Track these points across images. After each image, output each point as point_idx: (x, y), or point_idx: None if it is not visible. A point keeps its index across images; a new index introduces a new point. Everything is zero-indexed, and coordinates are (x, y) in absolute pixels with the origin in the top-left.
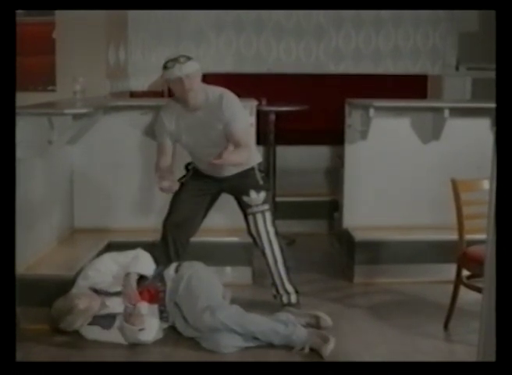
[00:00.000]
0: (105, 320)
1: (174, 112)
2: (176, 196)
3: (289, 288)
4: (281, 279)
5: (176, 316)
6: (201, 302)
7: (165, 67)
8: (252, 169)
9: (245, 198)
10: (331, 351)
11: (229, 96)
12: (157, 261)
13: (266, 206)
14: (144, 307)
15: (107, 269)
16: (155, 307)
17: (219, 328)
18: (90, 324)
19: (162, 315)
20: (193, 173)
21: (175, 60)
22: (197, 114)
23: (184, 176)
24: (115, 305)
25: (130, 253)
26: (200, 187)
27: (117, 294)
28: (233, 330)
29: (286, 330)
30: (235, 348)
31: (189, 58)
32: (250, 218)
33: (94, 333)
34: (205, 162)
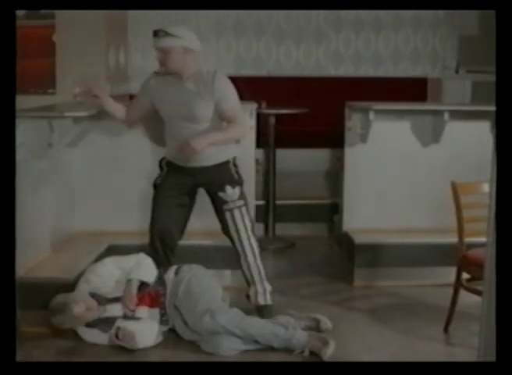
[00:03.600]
0: (105, 324)
1: (165, 77)
2: (156, 200)
3: (267, 286)
4: (260, 276)
5: (176, 318)
6: (201, 305)
7: (153, 34)
8: (227, 162)
9: (220, 194)
10: (331, 354)
11: (222, 75)
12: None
13: (242, 202)
14: (144, 312)
15: (109, 274)
16: (156, 311)
17: (219, 331)
18: (89, 327)
19: (162, 318)
20: (167, 169)
21: (156, 32)
22: (187, 84)
23: (159, 176)
24: (115, 311)
25: (133, 258)
26: (176, 185)
27: (117, 299)
28: (233, 333)
29: (286, 333)
30: (235, 351)
31: (167, 34)
32: (228, 215)
33: (92, 335)
34: (178, 140)
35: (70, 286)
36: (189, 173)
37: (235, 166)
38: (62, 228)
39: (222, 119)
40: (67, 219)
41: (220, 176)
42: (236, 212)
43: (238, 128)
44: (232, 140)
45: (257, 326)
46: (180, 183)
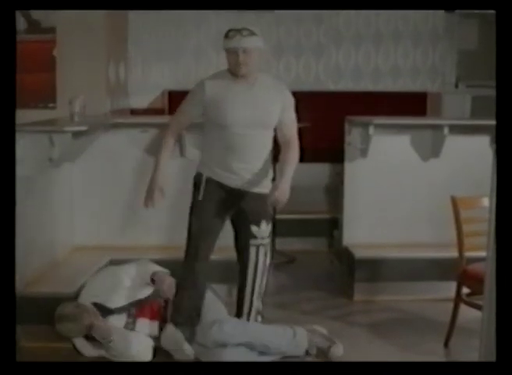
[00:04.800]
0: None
1: (223, 81)
2: (195, 226)
3: (258, 318)
4: (251, 310)
5: None
6: (209, 316)
7: (226, 36)
8: (267, 193)
9: (254, 228)
10: (340, 354)
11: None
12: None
13: (269, 240)
14: (144, 325)
15: (111, 284)
16: (156, 323)
17: (227, 342)
18: (86, 339)
19: (161, 332)
20: (206, 188)
21: (237, 31)
22: (253, 88)
23: (197, 193)
24: (116, 322)
25: (132, 263)
26: (219, 202)
27: (119, 310)
28: (242, 342)
29: (291, 331)
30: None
31: (253, 33)
32: (252, 249)
33: (88, 348)
34: (234, 150)
35: (70, 300)
36: (232, 193)
37: None
38: (62, 242)
39: (279, 132)
40: (67, 233)
41: (259, 208)
42: (262, 250)
43: (296, 153)
44: None
45: (265, 330)
46: (223, 201)
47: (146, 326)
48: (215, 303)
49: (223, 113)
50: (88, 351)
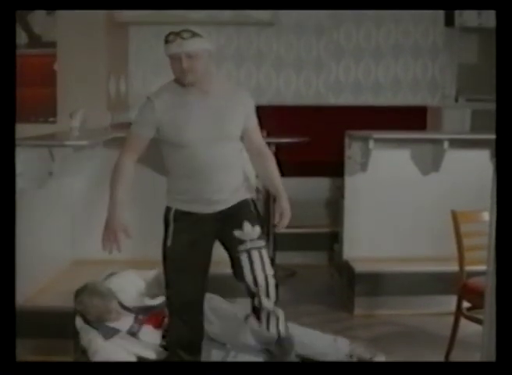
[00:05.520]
0: (108, 329)
1: (173, 94)
2: (171, 268)
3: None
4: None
5: None
6: (234, 314)
7: (165, 41)
8: (246, 199)
9: (237, 233)
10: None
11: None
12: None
13: (262, 242)
14: (148, 332)
15: (132, 283)
16: (159, 332)
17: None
18: (92, 327)
19: (162, 341)
20: (177, 224)
21: (177, 34)
22: (208, 98)
23: (166, 237)
24: (122, 323)
25: (154, 271)
26: (193, 241)
27: (130, 310)
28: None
29: (331, 336)
30: None
31: (195, 35)
32: (244, 256)
33: (92, 340)
34: (200, 170)
35: (70, 315)
36: (209, 218)
37: (253, 201)
38: (62, 256)
39: (247, 141)
40: (67, 247)
41: (237, 213)
42: (255, 255)
43: (273, 160)
44: None
45: (302, 330)
46: (197, 235)
47: (149, 334)
48: (224, 302)
49: (178, 131)
50: (92, 344)
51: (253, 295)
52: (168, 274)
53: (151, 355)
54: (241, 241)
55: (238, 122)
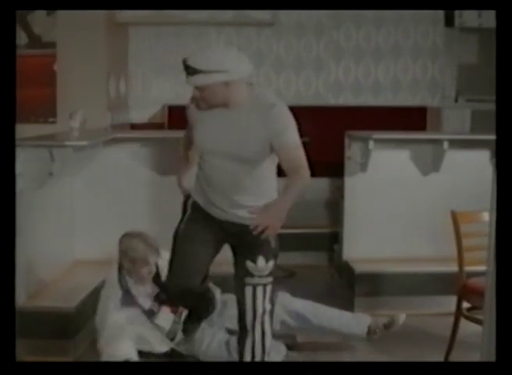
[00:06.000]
0: (130, 298)
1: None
2: (178, 249)
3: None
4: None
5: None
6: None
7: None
8: None
9: (249, 265)
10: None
11: (283, 105)
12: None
13: (270, 279)
14: (165, 314)
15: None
16: (172, 316)
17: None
18: (120, 285)
19: (173, 324)
20: (193, 212)
21: (185, 67)
22: (233, 113)
23: (181, 221)
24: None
25: None
26: (204, 233)
27: (160, 277)
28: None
29: (349, 313)
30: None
31: (196, 71)
32: (248, 290)
33: (109, 309)
34: (215, 185)
35: (71, 315)
36: (221, 224)
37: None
38: (63, 256)
39: (280, 161)
40: (68, 247)
41: (253, 242)
42: (259, 290)
43: (302, 180)
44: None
45: (320, 308)
46: (208, 232)
47: (165, 318)
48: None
49: (198, 141)
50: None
51: (245, 332)
52: (173, 256)
53: (153, 349)
54: (250, 274)
55: (256, 145)
